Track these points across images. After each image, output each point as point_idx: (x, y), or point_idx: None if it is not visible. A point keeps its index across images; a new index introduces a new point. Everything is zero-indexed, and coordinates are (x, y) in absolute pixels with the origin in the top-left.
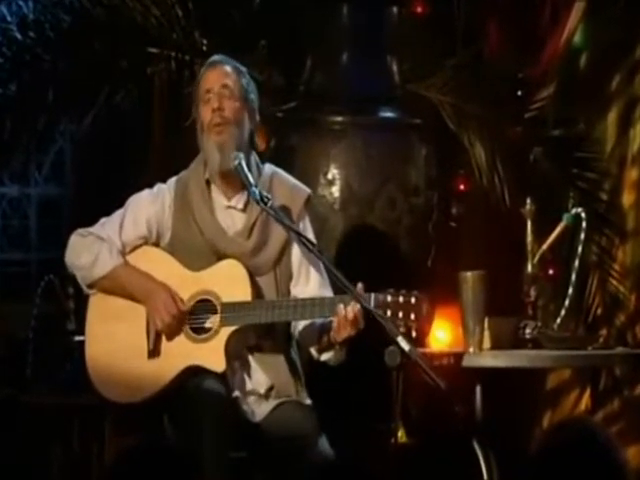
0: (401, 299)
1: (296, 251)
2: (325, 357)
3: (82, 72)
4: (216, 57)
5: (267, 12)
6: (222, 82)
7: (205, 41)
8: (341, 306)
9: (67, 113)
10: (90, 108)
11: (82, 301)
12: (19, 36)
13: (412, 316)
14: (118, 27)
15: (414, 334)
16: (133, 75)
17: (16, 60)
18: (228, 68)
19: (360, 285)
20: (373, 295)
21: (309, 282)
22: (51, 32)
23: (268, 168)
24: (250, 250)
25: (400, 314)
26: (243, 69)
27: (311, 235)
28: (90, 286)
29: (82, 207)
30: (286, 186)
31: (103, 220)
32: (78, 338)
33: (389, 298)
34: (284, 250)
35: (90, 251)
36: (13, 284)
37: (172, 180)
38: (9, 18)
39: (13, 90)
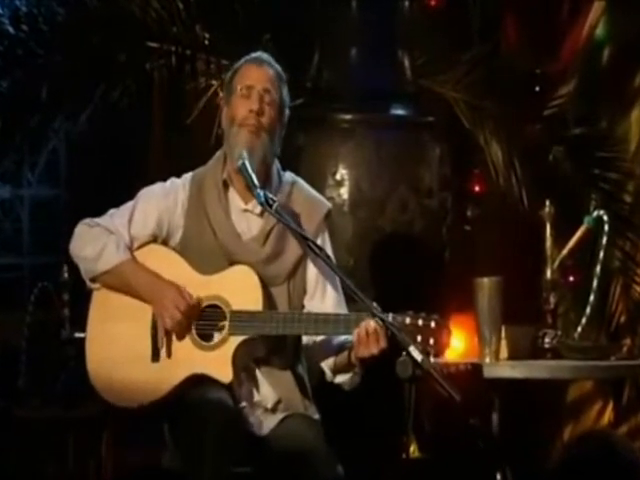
0: (420, 322)
1: (312, 265)
2: (340, 379)
3: (77, 68)
4: (262, 55)
5: (272, 4)
6: (265, 85)
7: (207, 35)
8: (361, 323)
9: (62, 111)
10: (86, 105)
11: (78, 308)
12: (11, 30)
13: (431, 341)
14: (116, 20)
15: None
16: (131, 71)
17: (8, 55)
18: (272, 72)
19: (374, 304)
20: (391, 315)
21: (325, 298)
22: (45, 26)
23: (289, 176)
24: (264, 258)
25: (418, 338)
26: (284, 76)
27: (329, 251)
28: (93, 280)
29: (77, 209)
30: (306, 197)
31: (112, 211)
32: (78, 335)
33: (408, 320)
34: (300, 262)
35: (96, 243)
36: (5, 290)
37: (188, 176)
38: (0, 11)
39: (5, 86)
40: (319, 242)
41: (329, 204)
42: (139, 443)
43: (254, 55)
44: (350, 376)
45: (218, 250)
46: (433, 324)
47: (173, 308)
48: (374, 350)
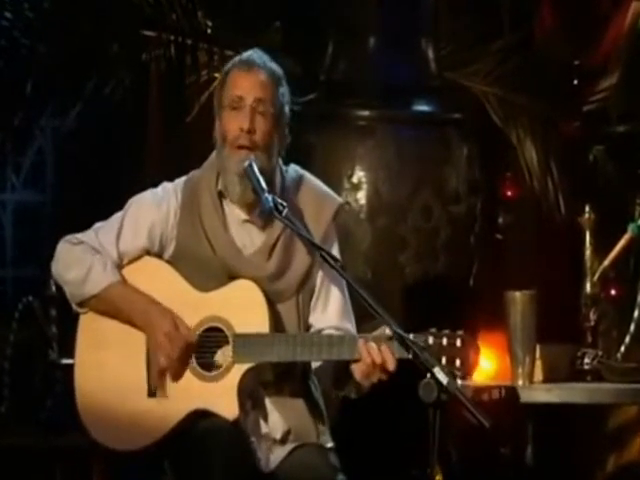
0: (445, 341)
1: (320, 274)
2: (343, 393)
3: (66, 59)
4: (251, 56)
5: None
6: (257, 95)
7: (209, 23)
8: (364, 351)
9: (48, 107)
10: (75, 101)
11: (67, 326)
12: None
13: (457, 362)
14: (108, 6)
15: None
16: (125, 62)
17: None
18: (264, 75)
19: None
20: (411, 335)
21: (327, 309)
22: (30, 13)
23: (293, 171)
24: (270, 274)
25: (443, 359)
26: (280, 73)
27: (335, 252)
28: (80, 304)
29: (65, 216)
30: (315, 193)
31: (98, 225)
32: (65, 361)
33: (431, 339)
34: (309, 274)
35: (81, 264)
36: None
37: (181, 180)
38: None
39: None
40: (326, 246)
41: (340, 199)
42: (133, 474)
43: (243, 57)
44: (353, 385)
45: (216, 264)
46: (459, 342)
47: (169, 346)
48: (382, 377)
